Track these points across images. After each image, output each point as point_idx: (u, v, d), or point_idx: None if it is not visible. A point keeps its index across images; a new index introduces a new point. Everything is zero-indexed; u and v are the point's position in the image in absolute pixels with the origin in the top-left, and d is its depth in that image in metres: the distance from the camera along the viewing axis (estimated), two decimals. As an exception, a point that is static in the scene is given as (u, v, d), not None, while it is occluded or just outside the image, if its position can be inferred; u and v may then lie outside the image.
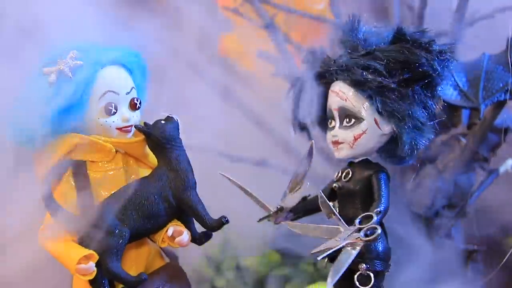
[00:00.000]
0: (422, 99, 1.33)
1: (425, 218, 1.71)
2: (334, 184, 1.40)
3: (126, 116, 1.33)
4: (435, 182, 1.76)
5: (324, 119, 1.43)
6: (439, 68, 1.33)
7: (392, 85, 1.31)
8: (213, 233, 1.38)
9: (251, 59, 2.07)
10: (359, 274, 1.33)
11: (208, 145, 2.00)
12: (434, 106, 1.35)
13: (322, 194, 1.31)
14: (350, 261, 1.24)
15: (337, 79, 1.38)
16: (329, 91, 1.40)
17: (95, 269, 1.28)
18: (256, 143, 2.05)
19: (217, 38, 2.13)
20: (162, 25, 1.56)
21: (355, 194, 1.36)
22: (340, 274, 1.23)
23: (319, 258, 1.24)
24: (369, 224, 1.26)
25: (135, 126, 1.34)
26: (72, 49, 1.31)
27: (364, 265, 1.33)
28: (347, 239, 1.25)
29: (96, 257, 1.29)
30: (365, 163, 1.38)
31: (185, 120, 1.37)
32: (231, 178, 1.44)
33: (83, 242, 1.30)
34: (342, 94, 1.36)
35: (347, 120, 1.36)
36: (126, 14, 1.41)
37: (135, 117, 1.35)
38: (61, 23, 1.34)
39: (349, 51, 1.38)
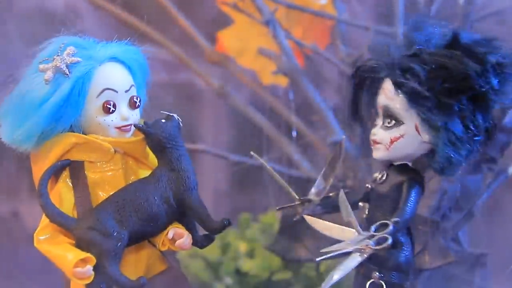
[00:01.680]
0: (469, 113, 1.29)
1: (431, 221, 1.71)
2: (367, 185, 1.39)
3: (125, 114, 1.33)
4: (442, 184, 1.76)
5: (371, 115, 1.40)
6: (494, 83, 1.29)
7: (427, 94, 1.28)
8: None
9: (251, 56, 2.08)
10: (371, 282, 1.32)
11: (205, 145, 2.01)
12: (482, 121, 1.31)
13: (343, 193, 1.30)
14: (352, 267, 1.24)
15: (386, 76, 1.35)
16: (380, 87, 1.37)
17: (92, 272, 1.27)
18: (255, 143, 2.05)
19: (216, 34, 2.14)
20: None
21: (385, 198, 1.34)
22: (337, 279, 1.23)
23: (317, 259, 1.24)
24: (382, 233, 1.25)
25: (134, 125, 1.33)
26: (69, 45, 1.31)
27: (377, 273, 1.32)
28: (356, 245, 1.24)
29: (94, 260, 1.28)
30: (403, 167, 1.35)
31: (183, 120, 1.37)
32: (262, 161, 1.42)
33: (80, 245, 1.30)
34: (388, 92, 1.33)
35: (389, 120, 1.33)
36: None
37: (135, 116, 1.35)
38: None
39: (405, 49, 1.36)
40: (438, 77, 1.29)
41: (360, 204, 1.38)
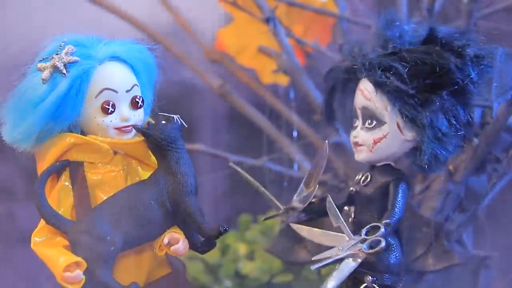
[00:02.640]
0: (451, 107, 1.31)
1: (435, 223, 1.72)
2: (351, 188, 1.40)
3: (125, 115, 1.33)
4: (445, 185, 1.77)
5: (351, 117, 1.41)
6: (473, 75, 1.32)
7: (410, 91, 1.29)
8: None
9: (251, 54, 2.08)
10: (364, 287, 1.33)
11: (205, 145, 2.01)
12: (464, 115, 1.33)
13: (330, 199, 1.31)
14: (348, 273, 1.24)
15: (363, 77, 1.37)
16: (357, 88, 1.39)
17: (83, 277, 1.27)
18: (255, 143, 2.05)
19: (215, 32, 2.14)
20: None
21: (371, 200, 1.35)
22: (335, 285, 1.24)
23: (313, 268, 1.25)
24: (373, 236, 1.25)
25: (133, 127, 1.34)
26: (68, 44, 1.31)
27: (370, 277, 1.32)
28: (349, 250, 1.25)
29: (84, 265, 1.28)
30: (387, 168, 1.37)
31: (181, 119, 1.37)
32: (241, 171, 1.43)
33: (73, 248, 1.30)
34: (366, 93, 1.34)
35: (369, 121, 1.34)
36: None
37: (137, 116, 1.34)
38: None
39: (379, 47, 1.37)
40: (419, 74, 1.30)
41: (345, 208, 1.38)
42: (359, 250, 1.24)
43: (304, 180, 1.43)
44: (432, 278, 1.75)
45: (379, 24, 1.39)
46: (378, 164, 1.37)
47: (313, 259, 1.26)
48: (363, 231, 1.27)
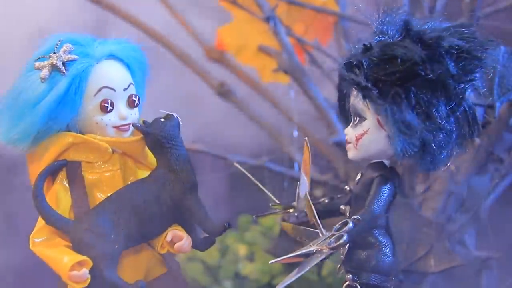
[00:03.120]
0: (424, 101, 1.29)
1: (436, 223, 1.72)
2: (346, 186, 1.41)
3: (123, 113, 1.33)
4: (447, 185, 1.77)
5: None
6: (450, 67, 1.29)
7: (366, 84, 1.28)
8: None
9: (251, 53, 2.08)
10: (347, 285, 1.32)
11: (204, 145, 2.02)
12: (452, 109, 1.31)
13: (308, 196, 1.32)
14: (307, 268, 1.24)
15: None
16: None
17: (89, 276, 1.27)
18: (256, 143, 2.05)
19: (215, 31, 2.14)
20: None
21: (361, 198, 1.34)
22: (291, 280, 1.25)
23: (270, 262, 1.26)
24: (339, 232, 1.24)
25: (132, 125, 1.34)
26: (66, 43, 1.31)
27: (350, 275, 1.31)
28: (317, 246, 1.24)
29: (90, 263, 1.28)
30: (376, 165, 1.36)
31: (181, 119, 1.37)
32: (244, 171, 1.44)
33: (76, 247, 1.30)
34: (354, 90, 1.36)
35: (355, 118, 1.35)
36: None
37: (134, 115, 1.35)
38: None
39: (357, 45, 1.38)
40: (384, 67, 1.29)
41: (342, 207, 1.39)
42: (325, 245, 1.24)
43: (300, 180, 1.44)
44: (433, 279, 1.75)
45: (380, 20, 1.39)
46: (371, 162, 1.38)
47: (289, 256, 1.26)
48: (334, 227, 1.26)
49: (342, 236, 1.23)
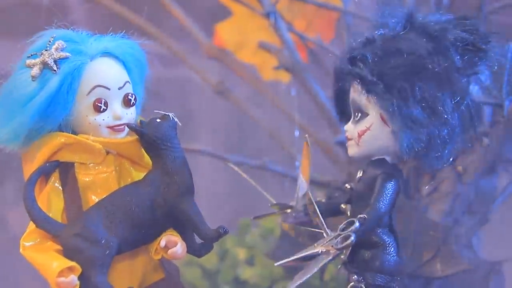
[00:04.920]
0: (429, 94, 1.30)
1: (443, 226, 1.72)
2: (346, 185, 1.41)
3: (118, 113, 1.32)
4: (454, 186, 1.77)
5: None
6: (455, 60, 1.31)
7: (372, 78, 1.29)
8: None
9: (251, 50, 2.08)
10: (351, 286, 1.33)
11: (203, 145, 2.02)
12: (441, 103, 1.31)
13: (311, 195, 1.32)
14: (314, 269, 1.24)
15: None
16: None
17: (77, 283, 1.27)
18: (256, 143, 2.05)
19: (213, 27, 2.14)
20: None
21: (364, 196, 1.35)
22: (300, 282, 1.25)
23: (276, 264, 1.27)
24: (347, 231, 1.25)
25: (127, 125, 1.33)
26: (58, 39, 1.30)
27: (355, 276, 1.32)
28: (322, 246, 1.25)
29: (79, 269, 1.27)
30: (378, 162, 1.36)
31: (178, 118, 1.37)
32: (240, 172, 1.45)
33: (66, 252, 1.29)
34: (355, 86, 1.36)
35: (356, 114, 1.35)
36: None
37: (130, 115, 1.34)
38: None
39: (360, 39, 1.38)
40: (389, 61, 1.30)
41: (342, 206, 1.39)
42: (332, 246, 1.24)
43: (298, 180, 1.44)
44: (440, 284, 1.75)
45: (379, 13, 1.40)
46: (372, 159, 1.38)
47: (291, 258, 1.27)
48: (340, 226, 1.27)
49: (350, 236, 1.23)
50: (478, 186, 1.78)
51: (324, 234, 1.28)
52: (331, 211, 1.42)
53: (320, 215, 1.30)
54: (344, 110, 1.40)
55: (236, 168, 1.45)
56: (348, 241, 1.23)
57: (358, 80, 1.31)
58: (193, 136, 2.01)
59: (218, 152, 2.02)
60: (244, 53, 2.09)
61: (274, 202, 1.45)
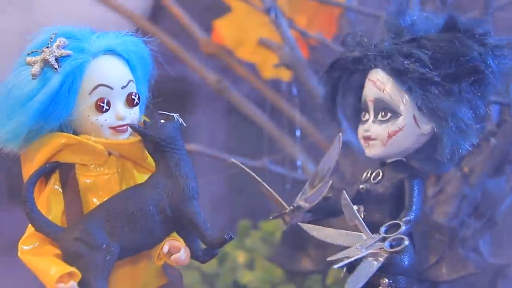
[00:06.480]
0: (470, 98, 1.34)
1: (449, 229, 1.72)
2: (361, 186, 1.42)
3: (121, 113, 1.32)
4: (461, 188, 1.77)
5: (356, 111, 1.44)
6: (493, 65, 1.34)
7: (436, 79, 1.32)
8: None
9: (251, 47, 2.08)
10: None
11: (203, 145, 2.01)
12: (483, 107, 1.36)
13: (346, 195, 1.33)
14: (371, 273, 1.27)
15: (375, 67, 1.40)
16: (366, 79, 1.41)
17: None
18: (256, 143, 2.05)
19: (212, 23, 2.14)
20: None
21: (384, 199, 1.38)
22: (359, 287, 1.25)
23: (335, 266, 1.27)
24: (395, 233, 1.28)
25: (130, 126, 1.33)
26: (60, 36, 1.30)
27: (386, 280, 1.34)
28: (369, 249, 1.27)
29: (78, 275, 1.27)
30: (399, 164, 1.39)
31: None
32: (245, 168, 1.45)
33: (66, 257, 1.29)
34: (380, 84, 1.37)
35: (383, 113, 1.37)
36: None
37: (133, 115, 1.34)
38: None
39: (393, 36, 1.40)
40: (441, 62, 1.33)
41: (355, 207, 1.40)
42: (380, 249, 1.27)
43: (310, 178, 1.45)
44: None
45: (389, 13, 1.41)
46: (389, 161, 1.39)
47: (328, 259, 1.28)
48: (382, 229, 1.30)
49: (403, 239, 1.27)
50: (485, 188, 1.79)
51: (365, 236, 1.29)
52: (329, 212, 1.43)
53: (359, 217, 1.31)
54: (335, 107, 1.42)
55: (240, 165, 1.45)
56: (402, 246, 1.26)
57: (412, 78, 1.32)
58: (191, 135, 2.01)
59: (217, 152, 2.02)
60: (243, 50, 2.09)
61: (280, 199, 1.45)
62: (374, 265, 1.26)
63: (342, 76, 1.46)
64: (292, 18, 2.02)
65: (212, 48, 2.10)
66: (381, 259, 1.27)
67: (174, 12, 2.11)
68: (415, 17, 1.40)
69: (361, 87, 1.42)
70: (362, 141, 1.40)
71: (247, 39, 2.08)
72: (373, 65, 1.39)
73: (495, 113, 1.78)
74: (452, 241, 1.71)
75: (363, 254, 1.27)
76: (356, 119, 1.45)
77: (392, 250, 1.26)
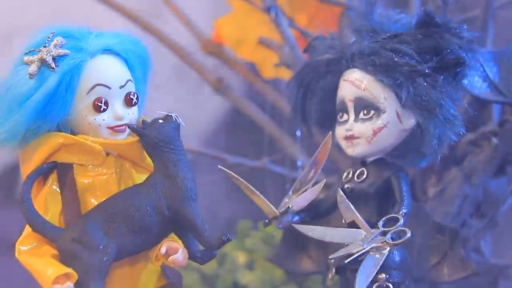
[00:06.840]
0: (450, 90, 1.36)
1: (450, 229, 1.72)
2: (346, 185, 1.43)
3: (119, 113, 1.32)
4: (462, 188, 1.77)
5: (327, 114, 1.45)
6: (466, 58, 1.37)
7: (427, 71, 1.34)
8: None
9: (251, 46, 2.08)
10: (377, 286, 1.36)
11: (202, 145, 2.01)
12: (460, 99, 1.40)
13: (342, 193, 1.35)
14: (378, 266, 1.29)
15: (352, 67, 1.41)
16: (341, 80, 1.43)
17: None
18: (256, 143, 2.05)
19: (211, 22, 2.14)
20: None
21: (369, 196, 1.40)
22: (369, 281, 1.28)
23: (342, 263, 1.30)
24: (396, 226, 1.31)
25: (127, 126, 1.33)
26: (57, 36, 1.30)
27: (384, 275, 1.36)
28: (371, 243, 1.30)
29: (75, 276, 1.27)
30: (382, 162, 1.41)
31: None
32: (232, 173, 1.45)
33: (63, 258, 1.29)
34: (359, 83, 1.38)
35: (365, 112, 1.38)
36: None
37: (131, 115, 1.34)
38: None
39: (370, 34, 1.41)
40: (426, 55, 1.36)
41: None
42: (383, 242, 1.29)
43: (298, 178, 1.47)
44: (445, 288, 1.75)
45: (357, 13, 1.44)
46: (371, 159, 1.41)
47: (330, 257, 1.31)
48: (380, 223, 1.32)
49: (406, 231, 1.30)
50: (487, 188, 1.78)
51: (363, 232, 1.31)
52: (318, 213, 1.45)
53: (357, 213, 1.33)
54: (306, 111, 1.43)
55: (229, 172, 1.46)
56: (406, 238, 1.29)
57: (402, 72, 1.34)
58: (189, 135, 2.01)
59: (216, 152, 2.02)
60: (243, 49, 2.09)
61: (269, 203, 1.46)
62: (378, 258, 1.29)
63: (312, 80, 1.47)
64: (293, 17, 2.02)
65: (212, 47, 2.10)
66: (384, 252, 1.30)
67: (174, 11, 2.11)
68: (382, 16, 1.42)
69: (333, 89, 1.44)
70: (343, 142, 1.42)
71: (247, 38, 2.08)
72: (350, 65, 1.41)
73: (496, 113, 1.78)
74: (454, 241, 1.71)
75: (366, 249, 1.29)
76: (328, 121, 1.47)
77: (395, 242, 1.29)
